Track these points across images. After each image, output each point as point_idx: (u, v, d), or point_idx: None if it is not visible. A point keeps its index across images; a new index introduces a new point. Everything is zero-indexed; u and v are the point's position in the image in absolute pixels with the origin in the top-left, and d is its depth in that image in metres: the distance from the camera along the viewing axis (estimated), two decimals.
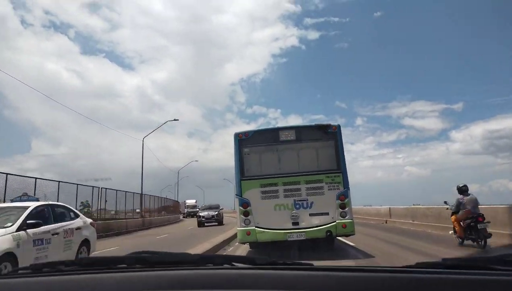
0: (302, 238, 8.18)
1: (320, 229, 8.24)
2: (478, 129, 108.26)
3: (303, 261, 1.27)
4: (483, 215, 9.34)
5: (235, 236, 12.07)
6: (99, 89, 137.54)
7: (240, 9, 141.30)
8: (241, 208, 8.53)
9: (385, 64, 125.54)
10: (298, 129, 9.09)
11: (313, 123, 9.25)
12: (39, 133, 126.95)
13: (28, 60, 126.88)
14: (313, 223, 8.31)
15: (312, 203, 8.39)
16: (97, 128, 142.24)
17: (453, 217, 10.09)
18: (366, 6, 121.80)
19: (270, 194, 8.50)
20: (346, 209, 8.36)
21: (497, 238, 9.90)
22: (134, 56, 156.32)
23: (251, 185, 8.62)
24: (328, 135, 8.82)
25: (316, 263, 1.24)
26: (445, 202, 10.82)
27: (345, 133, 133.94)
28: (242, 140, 8.87)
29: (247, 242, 9.13)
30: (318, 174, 8.59)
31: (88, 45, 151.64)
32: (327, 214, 8.33)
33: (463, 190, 9.93)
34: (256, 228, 8.32)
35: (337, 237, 9.30)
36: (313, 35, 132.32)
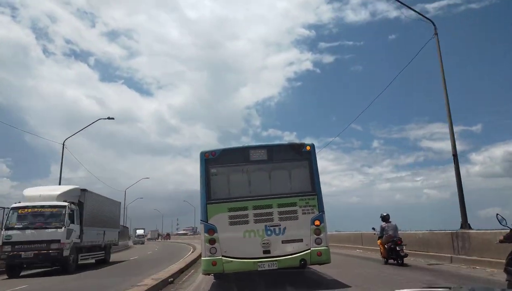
0: (274, 267, 7.55)
1: (293, 257, 7.65)
2: (499, 151, 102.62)
3: None
4: (401, 238, 11.68)
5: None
6: (118, 115, 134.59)
7: (254, 35, 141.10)
8: (207, 234, 7.75)
9: (401, 86, 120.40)
10: (270, 148, 8.53)
11: (286, 142, 8.85)
12: (59, 158, 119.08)
13: (49, 87, 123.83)
14: (286, 251, 7.68)
15: (285, 228, 7.78)
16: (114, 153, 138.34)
17: (379, 240, 12.35)
18: (380, 29, 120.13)
19: (239, 219, 7.85)
20: (321, 234, 7.80)
21: (413, 256, 12.38)
22: (151, 82, 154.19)
23: (218, 209, 7.92)
24: (302, 156, 8.32)
25: None
26: (373, 228, 13.15)
27: (362, 156, 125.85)
28: (209, 160, 8.20)
29: (212, 273, 8.45)
30: (291, 197, 8.02)
31: (107, 72, 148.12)
32: (301, 240, 7.74)
33: (386, 218, 12.29)
34: (223, 258, 7.59)
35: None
36: (328, 58, 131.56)
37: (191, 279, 10.81)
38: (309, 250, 7.67)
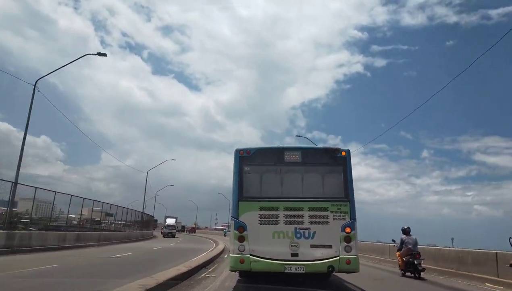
0: (301, 271, 7.53)
1: (321, 263, 7.57)
2: None
3: None
4: (419, 252, 11.98)
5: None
6: (167, 108, 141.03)
7: (305, 35, 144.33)
8: (236, 231, 7.81)
9: (457, 95, 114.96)
10: (305, 151, 8.54)
11: (321, 146, 8.67)
12: (109, 146, 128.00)
13: (105, 77, 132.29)
14: (314, 256, 7.62)
15: (314, 232, 7.73)
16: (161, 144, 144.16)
17: (398, 253, 12.67)
18: (437, 35, 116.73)
19: (270, 219, 7.86)
20: (352, 242, 7.68)
21: (430, 271, 12.65)
22: (200, 77, 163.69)
23: (250, 207, 7.96)
24: (337, 161, 8.27)
25: None
26: (393, 240, 13.47)
27: (410, 165, 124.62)
28: (243, 158, 8.31)
29: (239, 270, 8.48)
30: (323, 201, 7.96)
31: (160, 66, 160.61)
32: (330, 246, 7.65)
33: (406, 231, 12.59)
34: (251, 256, 7.64)
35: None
36: (380, 62, 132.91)
37: (216, 274, 11.18)
38: (338, 257, 7.57)
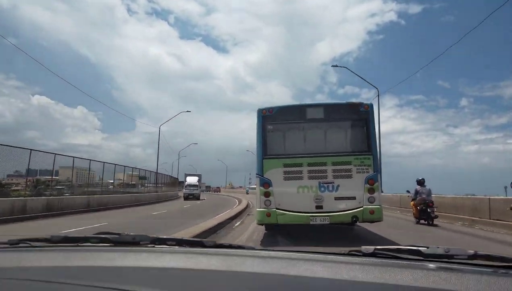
0: (326, 222, 7.85)
1: (345, 214, 7.89)
2: None
3: (246, 245, 1.39)
4: (433, 201, 12.88)
5: None
6: (196, 72, 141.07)
7: None
8: (262, 188, 8.18)
9: (498, 39, 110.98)
10: (327, 107, 8.68)
11: (343, 101, 8.95)
12: (144, 113, 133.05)
13: (134, 45, 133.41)
14: (338, 207, 7.93)
15: (338, 186, 8.01)
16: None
17: (412, 202, 13.61)
18: None
19: (294, 175, 8.15)
20: (375, 194, 7.95)
21: (443, 218, 13.63)
22: (228, 39, 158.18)
23: (274, 164, 8.26)
24: (359, 115, 8.41)
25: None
26: (407, 191, 14.38)
27: (448, 115, 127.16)
28: (266, 117, 8.48)
29: (265, 224, 8.94)
30: (346, 155, 8.20)
31: (186, 30, 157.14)
32: (353, 198, 7.96)
33: (421, 182, 13.44)
34: (277, 210, 8.00)
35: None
36: (415, 9, 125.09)
37: (244, 228, 12.13)
38: (362, 208, 7.88)
